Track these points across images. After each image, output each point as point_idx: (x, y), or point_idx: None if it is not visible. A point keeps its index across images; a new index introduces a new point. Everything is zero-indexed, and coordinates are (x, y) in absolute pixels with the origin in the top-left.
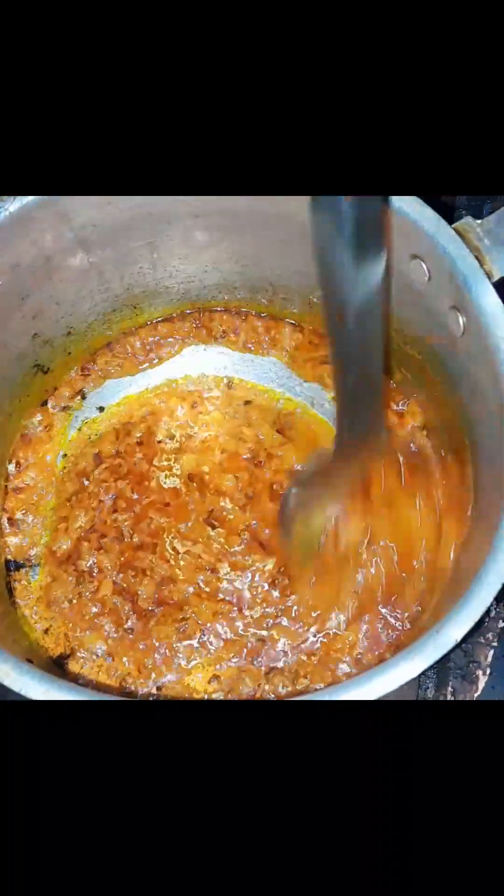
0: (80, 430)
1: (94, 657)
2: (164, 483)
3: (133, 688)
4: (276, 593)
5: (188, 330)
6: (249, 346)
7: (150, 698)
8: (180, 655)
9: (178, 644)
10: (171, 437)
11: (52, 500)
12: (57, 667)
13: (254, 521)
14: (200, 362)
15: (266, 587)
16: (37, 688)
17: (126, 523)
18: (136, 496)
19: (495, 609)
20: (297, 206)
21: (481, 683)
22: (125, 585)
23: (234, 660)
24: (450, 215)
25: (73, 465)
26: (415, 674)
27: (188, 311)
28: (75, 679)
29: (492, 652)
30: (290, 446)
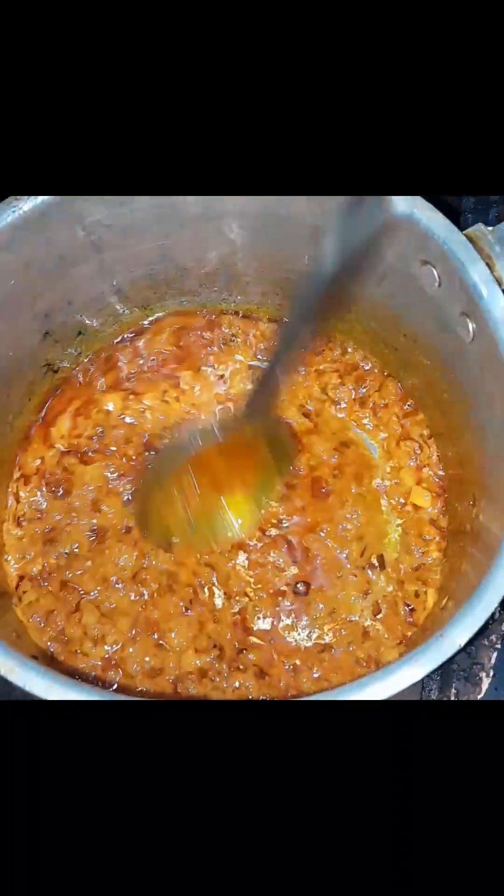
0: None
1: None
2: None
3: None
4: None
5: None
6: (259, 354)
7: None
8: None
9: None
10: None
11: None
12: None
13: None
14: None
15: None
16: (40, 684)
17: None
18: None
19: (499, 612)
20: (305, 208)
21: (485, 685)
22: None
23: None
24: (456, 219)
25: None
26: (417, 678)
27: (199, 314)
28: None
29: (495, 654)
30: (315, 437)
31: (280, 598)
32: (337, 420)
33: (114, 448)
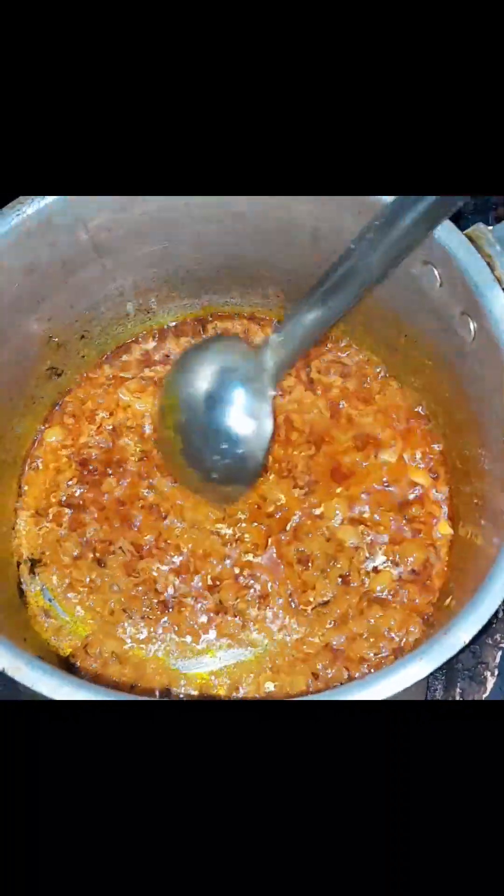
0: None
1: (104, 657)
2: None
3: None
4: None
5: (202, 334)
6: None
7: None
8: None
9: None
10: None
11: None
12: (66, 667)
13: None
14: None
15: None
16: (48, 683)
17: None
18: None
19: (503, 610)
20: (303, 212)
21: (490, 684)
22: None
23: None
24: (457, 220)
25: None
26: (422, 675)
27: (202, 316)
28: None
29: (500, 653)
30: (336, 431)
31: (288, 591)
32: (351, 415)
33: (131, 455)
